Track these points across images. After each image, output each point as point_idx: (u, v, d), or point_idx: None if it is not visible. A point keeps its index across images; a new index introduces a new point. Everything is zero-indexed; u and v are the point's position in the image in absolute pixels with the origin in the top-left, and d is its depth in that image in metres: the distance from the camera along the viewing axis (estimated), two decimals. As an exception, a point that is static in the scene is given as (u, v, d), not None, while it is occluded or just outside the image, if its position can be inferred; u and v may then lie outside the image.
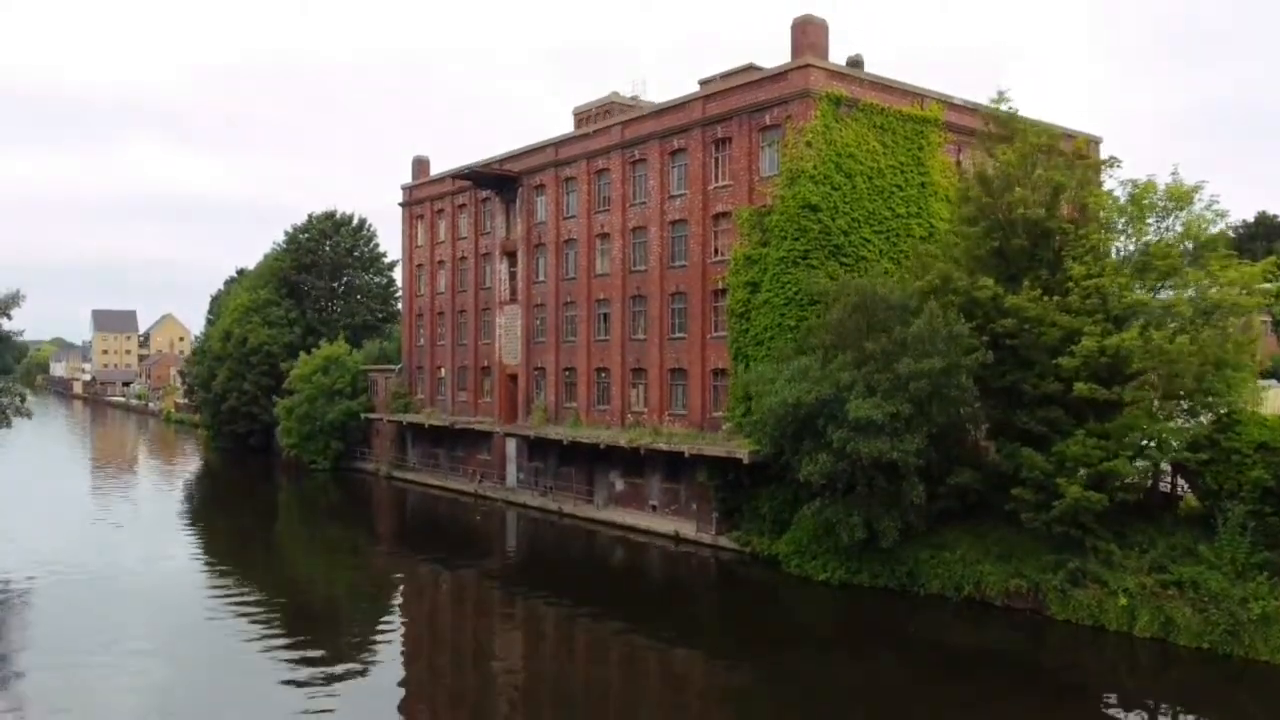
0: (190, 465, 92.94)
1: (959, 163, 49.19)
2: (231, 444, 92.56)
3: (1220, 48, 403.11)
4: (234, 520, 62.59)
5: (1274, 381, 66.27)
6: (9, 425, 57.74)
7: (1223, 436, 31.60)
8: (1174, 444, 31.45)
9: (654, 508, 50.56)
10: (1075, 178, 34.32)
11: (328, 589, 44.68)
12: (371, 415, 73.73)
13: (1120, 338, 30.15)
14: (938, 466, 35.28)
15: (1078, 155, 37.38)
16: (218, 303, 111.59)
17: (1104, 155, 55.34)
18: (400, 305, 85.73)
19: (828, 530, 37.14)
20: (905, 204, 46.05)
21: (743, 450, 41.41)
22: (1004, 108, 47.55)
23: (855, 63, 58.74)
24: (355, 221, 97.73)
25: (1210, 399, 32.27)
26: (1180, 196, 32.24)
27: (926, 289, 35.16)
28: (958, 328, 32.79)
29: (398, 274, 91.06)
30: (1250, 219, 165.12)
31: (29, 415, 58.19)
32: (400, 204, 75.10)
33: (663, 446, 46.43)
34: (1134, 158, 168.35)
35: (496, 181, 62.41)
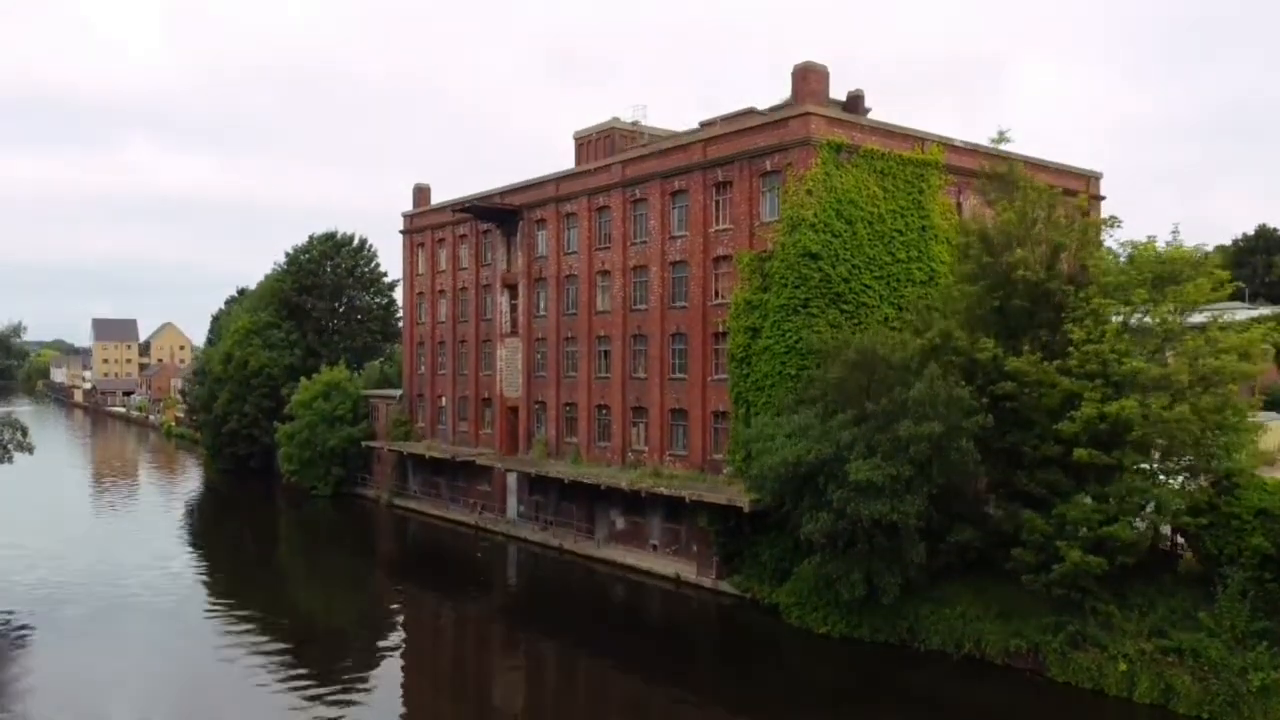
0: (191, 484, 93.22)
1: (959, 205, 49.32)
2: (232, 465, 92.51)
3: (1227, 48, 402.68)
4: (236, 549, 63.97)
5: (1275, 414, 66.39)
6: (11, 460, 57.66)
7: (1222, 500, 31.71)
8: (1174, 507, 31.50)
9: (654, 547, 50.62)
10: (1074, 237, 34.40)
11: (330, 619, 46.41)
12: (372, 444, 73.79)
13: (1120, 405, 30.24)
14: (938, 523, 35.35)
15: (1079, 210, 37.36)
16: (219, 322, 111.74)
17: (1104, 180, 55.47)
18: (401, 324, 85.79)
19: (828, 584, 37.21)
20: (905, 249, 46.14)
21: (743, 499, 41.50)
22: (1004, 146, 47.84)
23: (855, 97, 58.89)
24: (356, 242, 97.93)
25: (1211, 461, 32.32)
26: (1179, 261, 32.32)
27: (927, 346, 35.24)
28: (958, 391, 32.90)
29: (398, 293, 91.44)
30: (1250, 231, 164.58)
31: (30, 450, 57.99)
32: (401, 231, 75.19)
33: (663, 491, 46.50)
34: (1135, 166, 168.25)
35: (497, 215, 62.53)
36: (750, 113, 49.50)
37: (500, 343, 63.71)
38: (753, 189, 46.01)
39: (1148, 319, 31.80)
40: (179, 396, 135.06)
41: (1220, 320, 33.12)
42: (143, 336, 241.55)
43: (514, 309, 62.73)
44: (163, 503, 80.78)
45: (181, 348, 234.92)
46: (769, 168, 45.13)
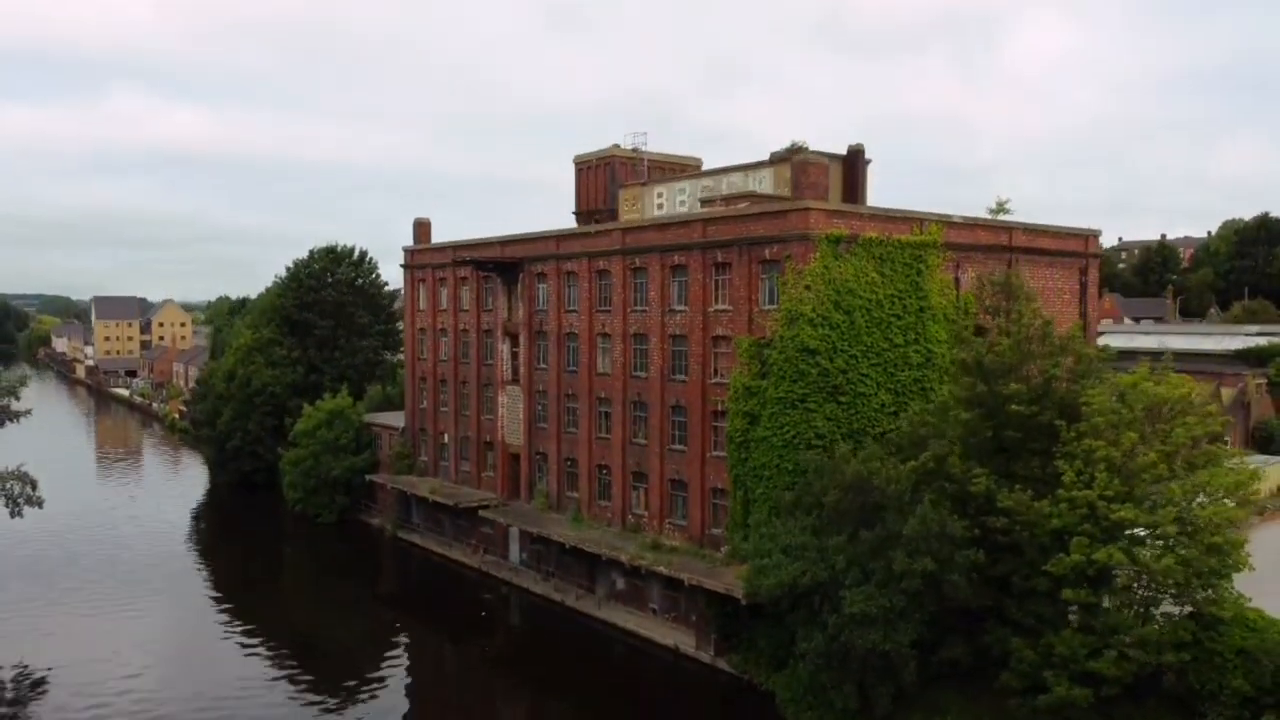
0: (195, 492, 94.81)
1: (957, 280, 49.71)
2: (236, 478, 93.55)
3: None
4: (241, 578, 67.73)
5: (1271, 458, 67.25)
6: (21, 515, 58.51)
7: (1206, 636, 32.63)
8: (1158, 644, 32.40)
9: (654, 611, 51.76)
10: (1067, 368, 34.95)
11: (342, 657, 52.08)
12: (375, 479, 74.69)
13: (1107, 552, 31.05)
14: (930, 638, 36.31)
15: (1072, 339, 37.79)
16: (220, 334, 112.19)
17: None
18: (403, 333, 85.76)
19: (822, 688, 38.29)
20: (903, 332, 46.60)
21: (740, 589, 42.42)
22: (1001, 217, 48.20)
23: (856, 151, 59.05)
24: (356, 255, 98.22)
25: (1197, 596, 33.13)
26: (1170, 400, 32.89)
27: (920, 469, 35.95)
28: (951, 526, 33.68)
29: (398, 277, 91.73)
30: (1250, 217, 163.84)
31: (40, 504, 58.47)
32: (402, 265, 75.46)
33: (662, 570, 47.52)
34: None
35: (497, 266, 62.77)
36: (750, 196, 49.61)
37: (501, 389, 64.37)
38: (752, 274, 46.38)
39: (1137, 460, 32.40)
40: (183, 400, 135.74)
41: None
42: (139, 292, 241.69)
43: (515, 357, 63.29)
44: (168, 510, 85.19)
45: (183, 324, 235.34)
46: (768, 256, 45.46)
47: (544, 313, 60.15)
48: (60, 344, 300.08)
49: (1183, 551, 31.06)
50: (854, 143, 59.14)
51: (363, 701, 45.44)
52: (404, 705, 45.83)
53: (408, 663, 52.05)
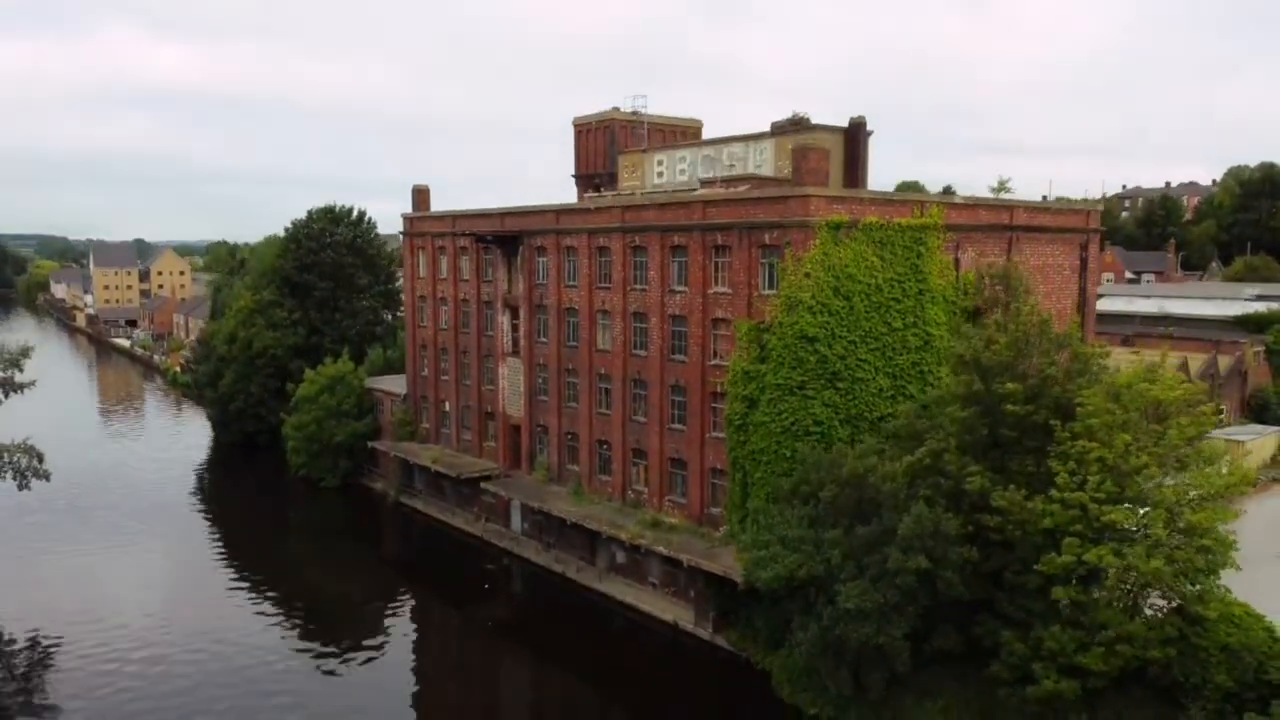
0: (198, 452, 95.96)
1: (957, 260, 49.71)
2: (239, 439, 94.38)
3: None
4: (247, 538, 70.19)
5: (1265, 428, 67.84)
6: (29, 488, 59.40)
7: (1191, 631, 33.39)
8: (1144, 639, 33.17)
9: (654, 585, 52.71)
10: (1063, 366, 35.23)
11: (346, 616, 54.96)
12: (378, 445, 75.33)
13: (1097, 553, 31.65)
14: (923, 627, 37.14)
15: (1070, 337, 37.96)
16: (220, 294, 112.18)
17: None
18: (403, 293, 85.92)
19: (817, 673, 39.25)
20: (902, 316, 46.73)
21: (737, 572, 43.23)
22: (1003, 196, 48.02)
23: (857, 124, 58.64)
24: (355, 214, 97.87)
25: (1185, 590, 33.81)
26: (1166, 402, 33.22)
27: (916, 465, 36.42)
28: (945, 525, 34.23)
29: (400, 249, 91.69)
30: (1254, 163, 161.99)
31: (47, 477, 59.60)
32: (401, 233, 75.26)
33: (662, 550, 48.33)
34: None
35: (497, 239, 62.63)
36: (751, 179, 49.35)
37: (502, 361, 64.68)
38: (751, 258, 46.39)
39: (1130, 461, 32.82)
40: (184, 355, 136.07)
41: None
42: (135, 233, 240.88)
43: (515, 329, 63.49)
44: (173, 470, 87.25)
45: (182, 273, 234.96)
46: (768, 241, 45.43)
47: (544, 286, 60.19)
48: (59, 290, 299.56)
49: (1172, 553, 31.62)
50: (855, 115, 58.79)
51: (366, 658, 48.78)
52: (407, 662, 48.94)
53: (411, 626, 54.50)
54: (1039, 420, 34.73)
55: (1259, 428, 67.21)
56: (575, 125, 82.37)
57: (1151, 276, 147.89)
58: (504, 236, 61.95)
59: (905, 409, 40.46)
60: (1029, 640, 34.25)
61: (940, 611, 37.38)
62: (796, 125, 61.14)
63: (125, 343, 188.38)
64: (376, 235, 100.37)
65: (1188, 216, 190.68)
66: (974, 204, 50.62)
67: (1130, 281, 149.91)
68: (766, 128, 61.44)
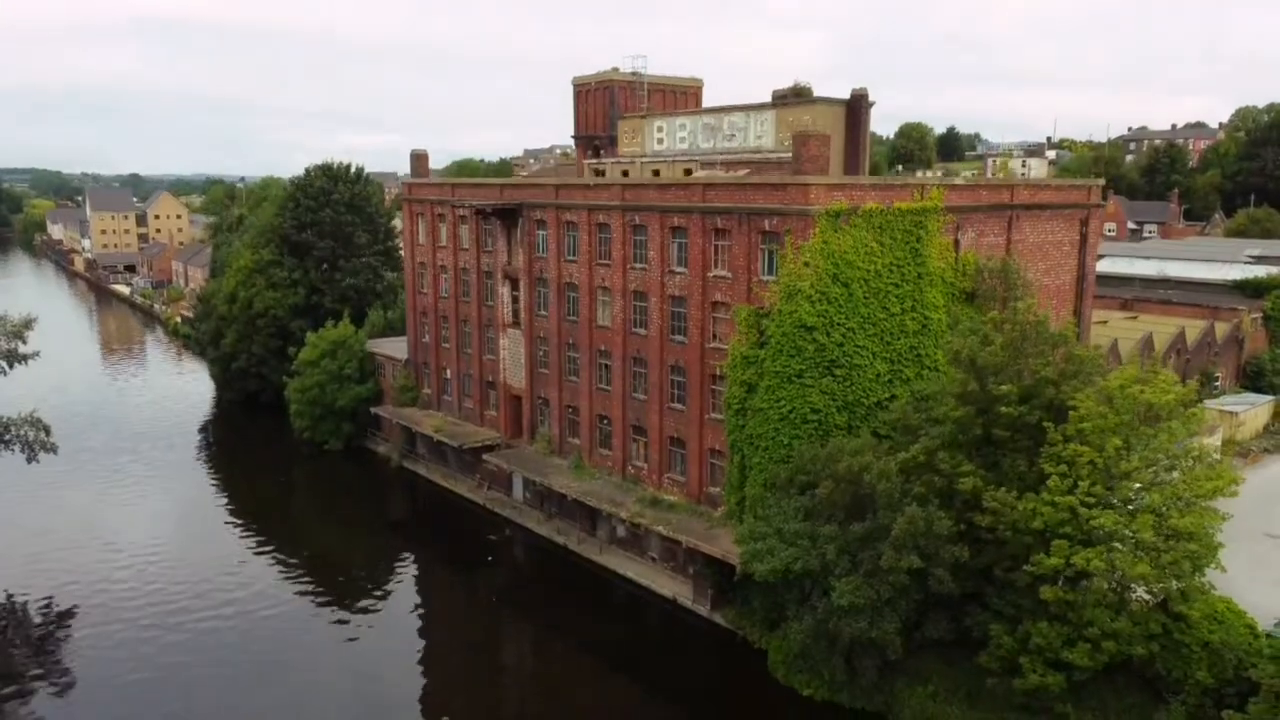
0: (202, 408, 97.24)
1: (957, 241, 49.75)
2: (241, 398, 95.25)
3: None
4: (253, 497, 73.01)
5: (1258, 397, 68.35)
6: (38, 461, 60.27)
7: (1175, 628, 34.36)
8: (1129, 636, 34.14)
9: (654, 559, 53.79)
10: (1057, 367, 35.62)
11: (351, 575, 57.82)
12: (380, 411, 75.99)
13: (1085, 557, 32.42)
14: (915, 615, 38.15)
15: (1064, 337, 38.20)
16: (219, 251, 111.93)
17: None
18: (402, 249, 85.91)
19: (811, 658, 40.40)
20: (900, 300, 46.93)
21: (735, 557, 44.16)
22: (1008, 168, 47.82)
23: (859, 96, 58.17)
24: (353, 172, 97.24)
25: (1170, 587, 34.67)
26: (1158, 405, 33.68)
27: (910, 462, 37.03)
28: (937, 525, 34.94)
29: (399, 216, 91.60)
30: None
31: (55, 450, 60.53)
32: (402, 199, 74.92)
33: (661, 530, 49.26)
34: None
35: (496, 211, 62.46)
36: (754, 161, 49.03)
37: (502, 332, 65.01)
38: (751, 244, 46.45)
39: (1120, 466, 33.39)
40: (185, 305, 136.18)
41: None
42: (129, 167, 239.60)
43: (515, 300, 63.70)
44: (177, 432, 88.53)
45: (179, 216, 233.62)
46: (767, 228, 45.46)
47: (544, 259, 60.24)
48: (56, 231, 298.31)
49: (1158, 556, 32.38)
50: (858, 87, 58.20)
51: (370, 613, 52.43)
52: (411, 627, 51.40)
53: (414, 591, 56.94)
54: (1032, 421, 35.25)
55: (1253, 397, 67.79)
56: (575, 85, 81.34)
57: (1154, 227, 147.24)
58: (504, 209, 61.77)
59: (900, 405, 40.87)
60: (1017, 634, 35.26)
61: (932, 599, 38.35)
62: (798, 95, 60.61)
63: (125, 290, 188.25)
64: (375, 192, 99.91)
65: (1193, 163, 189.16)
66: (974, 185, 50.55)
67: (1132, 232, 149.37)
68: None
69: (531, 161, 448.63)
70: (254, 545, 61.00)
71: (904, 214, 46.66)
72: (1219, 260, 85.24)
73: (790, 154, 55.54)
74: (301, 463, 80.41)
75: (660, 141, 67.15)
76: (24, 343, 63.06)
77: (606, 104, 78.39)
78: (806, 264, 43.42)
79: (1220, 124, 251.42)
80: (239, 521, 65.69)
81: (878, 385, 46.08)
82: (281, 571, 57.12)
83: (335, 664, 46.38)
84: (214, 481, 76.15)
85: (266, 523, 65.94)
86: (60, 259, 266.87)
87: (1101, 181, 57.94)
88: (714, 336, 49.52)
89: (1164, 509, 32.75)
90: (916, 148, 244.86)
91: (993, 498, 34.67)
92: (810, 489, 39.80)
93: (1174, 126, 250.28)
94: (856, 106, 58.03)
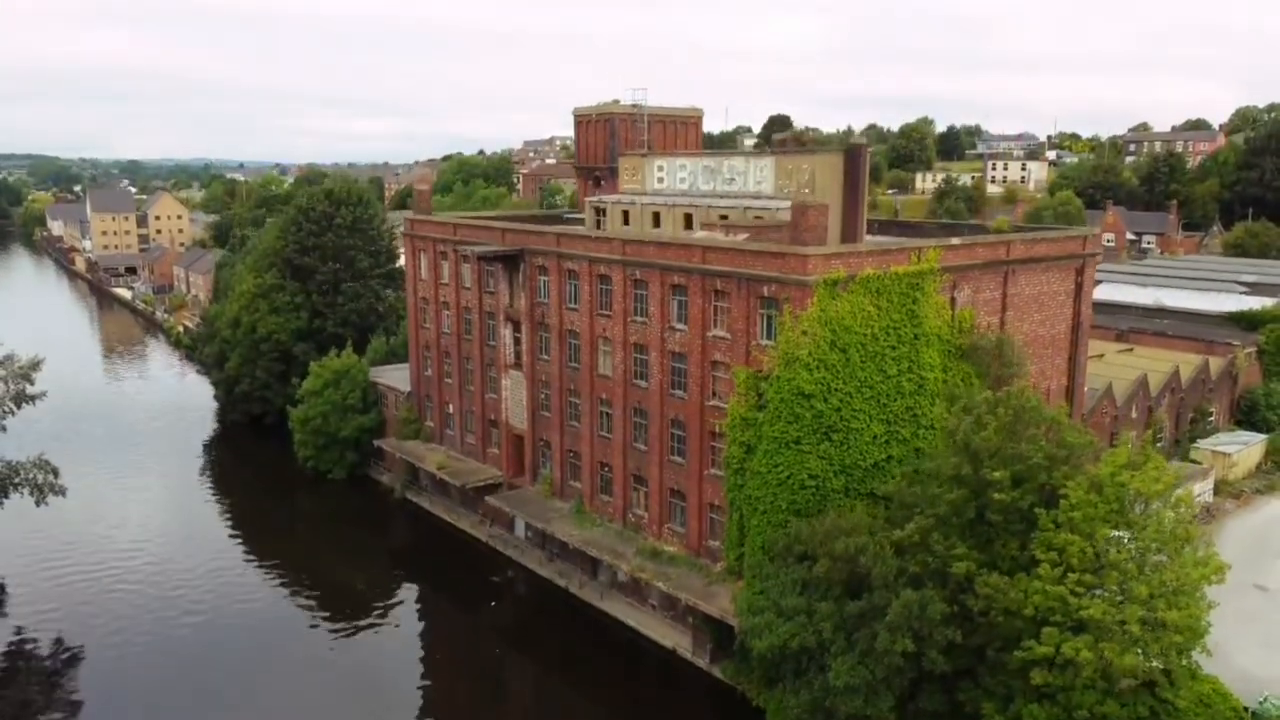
0: (205, 429, 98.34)
1: (953, 299, 50.44)
2: (245, 419, 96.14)
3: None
4: (256, 522, 75.34)
5: (1251, 435, 69.15)
6: (46, 504, 61.14)
7: (1163, 709, 35.22)
8: (1118, 717, 35.02)
9: (654, 606, 54.70)
10: (1045, 454, 36.43)
11: (355, 600, 60.88)
12: (383, 444, 76.79)
13: (1074, 646, 33.27)
14: (909, 688, 39.04)
15: (1057, 422, 38.93)
16: (223, 272, 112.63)
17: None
18: (404, 271, 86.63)
19: (809, 722, 41.33)
20: (897, 362, 47.62)
21: (732, 617, 45.07)
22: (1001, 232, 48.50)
23: (858, 146, 58.83)
24: (356, 197, 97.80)
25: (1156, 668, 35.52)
26: (1145, 494, 34.49)
27: (905, 541, 37.87)
28: (931, 610, 35.78)
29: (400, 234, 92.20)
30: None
31: (63, 493, 61.43)
32: (403, 233, 75.53)
33: (661, 586, 50.15)
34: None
35: (498, 257, 63.04)
36: (751, 227, 49.61)
37: (504, 372, 65.73)
38: (750, 308, 47.11)
39: (1110, 556, 34.21)
40: (187, 314, 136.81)
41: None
42: (127, 153, 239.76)
43: (517, 342, 64.36)
44: (179, 451, 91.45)
45: (179, 217, 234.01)
46: (766, 294, 46.11)
47: (545, 305, 60.89)
48: (56, 227, 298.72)
49: (1147, 646, 33.24)
50: (856, 137, 58.76)
51: (371, 645, 55.21)
52: (411, 657, 54.09)
53: (416, 625, 59.25)
54: (1024, 506, 36.07)
55: (1246, 436, 68.60)
56: (576, 116, 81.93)
57: (1153, 238, 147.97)
58: (506, 255, 62.34)
59: (896, 483, 41.58)
60: (1008, 713, 36.13)
61: (926, 674, 39.23)
62: (799, 142, 61.26)
63: (126, 294, 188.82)
64: (376, 214, 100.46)
65: (1191, 165, 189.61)
66: (971, 244, 51.15)
67: (1131, 242, 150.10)
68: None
69: (531, 155, 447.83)
70: (259, 572, 64.22)
71: (901, 277, 47.33)
72: (1214, 290, 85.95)
73: (789, 200, 56.58)
74: (304, 490, 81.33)
75: (661, 180, 67.70)
76: (31, 384, 63.88)
77: (607, 135, 78.96)
78: (804, 332, 44.11)
79: (1220, 125, 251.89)
80: (242, 546, 68.77)
81: (874, 447, 46.84)
82: (285, 598, 60.48)
83: (337, 695, 48.78)
84: (218, 505, 78.73)
85: (270, 549, 68.33)
86: (61, 257, 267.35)
87: (1095, 229, 58.47)
88: (713, 394, 50.25)
89: (1152, 599, 33.57)
90: (916, 148, 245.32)
91: (985, 583, 35.52)
92: (807, 558, 40.63)
93: (1174, 129, 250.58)
94: (855, 155, 58.48)
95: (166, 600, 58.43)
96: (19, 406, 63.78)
